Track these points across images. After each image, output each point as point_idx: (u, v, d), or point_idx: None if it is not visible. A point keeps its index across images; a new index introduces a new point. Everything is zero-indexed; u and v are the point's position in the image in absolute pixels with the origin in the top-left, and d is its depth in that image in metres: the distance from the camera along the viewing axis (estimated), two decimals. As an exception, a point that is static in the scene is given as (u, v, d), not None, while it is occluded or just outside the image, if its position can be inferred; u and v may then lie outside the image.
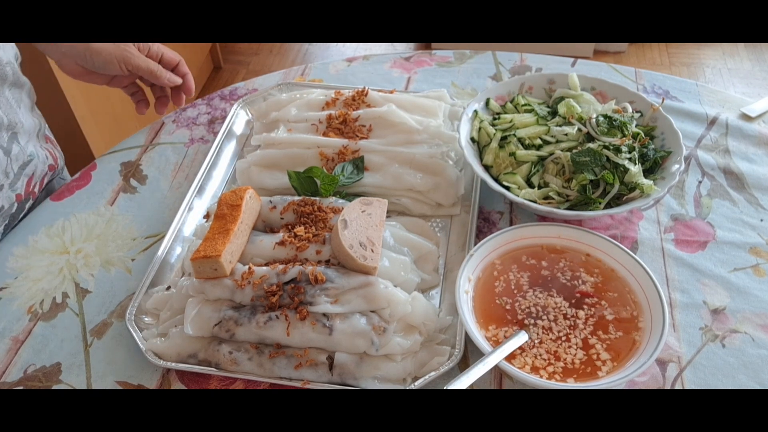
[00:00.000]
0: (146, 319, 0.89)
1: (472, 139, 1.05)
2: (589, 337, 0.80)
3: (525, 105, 1.08)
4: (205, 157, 1.11)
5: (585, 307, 0.84)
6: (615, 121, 1.00)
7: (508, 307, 0.84)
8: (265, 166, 1.06)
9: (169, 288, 0.91)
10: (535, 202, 0.95)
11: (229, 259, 0.84)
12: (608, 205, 0.94)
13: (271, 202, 0.95)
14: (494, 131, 1.03)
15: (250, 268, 0.84)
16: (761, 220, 1.01)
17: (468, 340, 0.82)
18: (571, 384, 0.75)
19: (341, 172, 1.01)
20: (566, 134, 1.00)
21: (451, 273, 0.92)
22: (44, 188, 1.14)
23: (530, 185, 0.99)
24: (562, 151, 0.98)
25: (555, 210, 0.92)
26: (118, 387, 0.83)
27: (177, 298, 0.87)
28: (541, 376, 0.76)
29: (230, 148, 1.15)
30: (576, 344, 0.80)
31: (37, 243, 1.02)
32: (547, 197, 0.96)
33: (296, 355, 0.80)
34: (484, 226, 1.01)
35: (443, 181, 1.02)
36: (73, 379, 0.84)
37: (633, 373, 0.73)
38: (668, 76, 1.31)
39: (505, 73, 1.33)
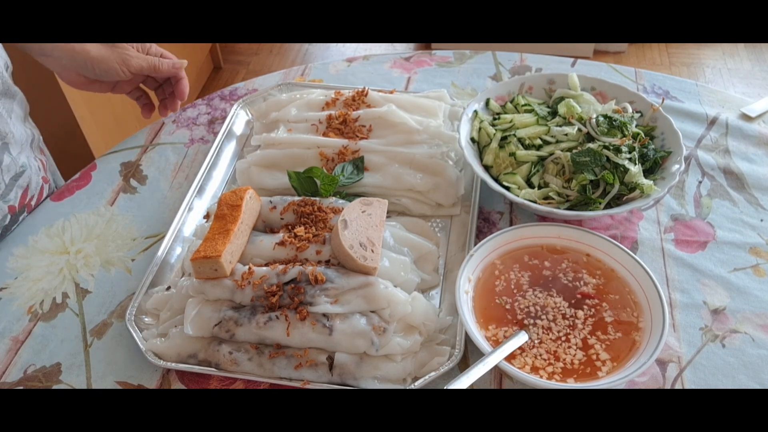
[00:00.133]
0: (146, 319, 0.89)
1: (472, 140, 1.05)
2: (588, 337, 0.80)
3: (525, 105, 1.08)
4: (205, 158, 1.11)
5: (585, 307, 0.84)
6: (615, 121, 1.00)
7: (507, 306, 0.84)
8: (265, 166, 1.06)
9: (169, 288, 0.91)
10: (535, 202, 0.95)
11: (229, 260, 0.84)
12: (608, 206, 0.94)
13: (271, 202, 0.95)
14: (494, 131, 1.03)
15: (250, 268, 0.84)
16: (761, 220, 1.01)
17: (468, 340, 0.82)
18: (571, 384, 0.75)
19: (341, 173, 1.01)
20: (566, 134, 1.00)
21: (451, 273, 0.92)
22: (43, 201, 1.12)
23: (530, 185, 0.99)
24: (562, 151, 0.98)
25: (555, 210, 0.92)
26: (118, 387, 0.83)
27: (177, 299, 0.87)
28: (541, 377, 0.76)
29: (230, 148, 1.16)
30: (576, 344, 0.80)
31: (37, 243, 1.02)
32: (547, 197, 0.96)
33: (296, 356, 0.80)
34: (484, 226, 1.01)
35: (443, 181, 1.02)
36: (73, 380, 0.84)
37: (633, 374, 0.73)
38: (668, 76, 1.31)
39: (505, 73, 1.33)
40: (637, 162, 0.97)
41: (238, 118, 1.21)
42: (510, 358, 0.78)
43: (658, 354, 0.75)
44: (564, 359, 0.78)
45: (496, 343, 0.79)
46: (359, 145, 1.06)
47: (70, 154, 1.78)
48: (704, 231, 1.00)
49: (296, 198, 0.95)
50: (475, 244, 0.90)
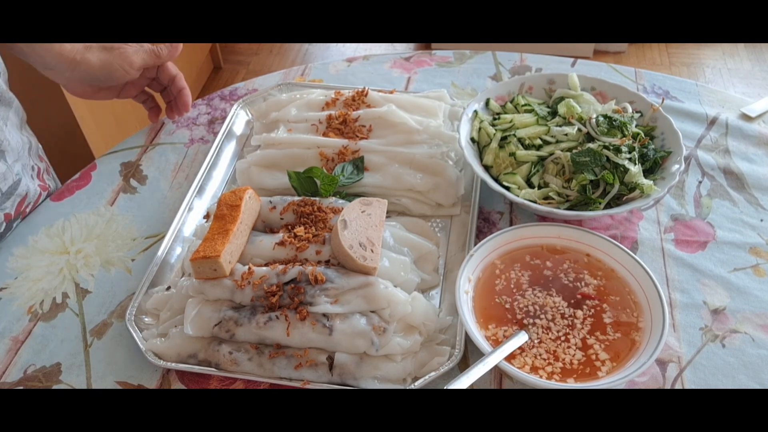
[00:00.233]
0: (146, 319, 0.89)
1: (472, 140, 1.05)
2: (588, 337, 0.80)
3: (525, 105, 1.08)
4: (205, 158, 1.11)
5: (584, 307, 0.84)
6: (615, 121, 1.00)
7: (507, 306, 0.84)
8: (265, 166, 1.06)
9: (169, 288, 0.91)
10: (535, 202, 0.95)
11: (229, 260, 0.84)
12: (608, 206, 0.94)
13: (270, 202, 0.95)
14: (494, 131, 1.03)
15: (249, 268, 0.84)
16: (761, 220, 1.01)
17: (468, 340, 0.82)
18: (571, 384, 0.75)
19: (341, 173, 1.01)
20: (566, 134, 1.00)
21: (451, 273, 0.92)
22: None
23: (530, 185, 0.99)
24: (562, 151, 0.98)
25: (555, 210, 0.92)
26: (118, 387, 0.83)
27: (177, 299, 0.87)
28: (541, 377, 0.76)
29: (230, 148, 1.15)
30: (575, 344, 0.80)
31: (37, 243, 1.02)
32: (547, 197, 0.96)
33: (296, 356, 0.80)
34: (484, 226, 1.01)
35: (443, 181, 1.02)
36: (73, 380, 0.84)
37: (633, 374, 0.73)
38: (668, 76, 1.31)
39: (505, 73, 1.33)
40: (637, 162, 0.97)
41: (238, 118, 1.21)
42: (510, 358, 0.78)
43: (658, 354, 0.75)
44: (563, 359, 0.78)
45: (496, 343, 0.79)
46: (359, 145, 1.06)
47: (70, 155, 1.78)
48: (704, 231, 1.00)
49: (296, 198, 0.95)
50: (475, 244, 0.90)
